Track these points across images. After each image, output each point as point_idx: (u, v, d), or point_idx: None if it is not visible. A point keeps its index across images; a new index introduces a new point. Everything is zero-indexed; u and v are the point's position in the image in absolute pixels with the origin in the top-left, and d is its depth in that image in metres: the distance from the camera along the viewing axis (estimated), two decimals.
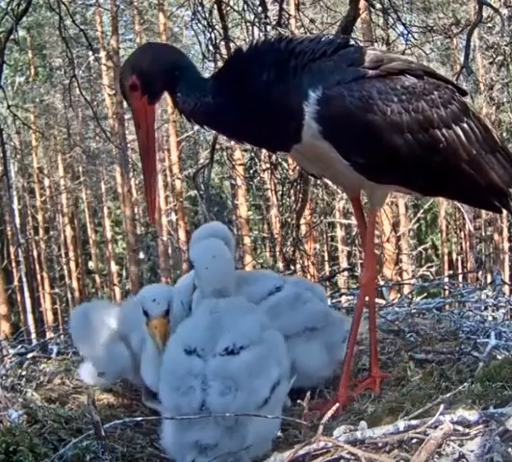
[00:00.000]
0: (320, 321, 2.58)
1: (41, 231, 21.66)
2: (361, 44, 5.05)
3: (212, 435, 1.96)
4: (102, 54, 16.76)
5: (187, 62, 2.35)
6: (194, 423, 1.97)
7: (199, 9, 4.91)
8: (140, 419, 2.32)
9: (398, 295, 4.72)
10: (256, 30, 4.97)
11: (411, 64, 2.42)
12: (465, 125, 2.44)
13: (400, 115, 2.30)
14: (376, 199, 2.56)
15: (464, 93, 2.61)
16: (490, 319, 3.35)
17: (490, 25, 8.91)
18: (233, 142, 4.82)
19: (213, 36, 4.91)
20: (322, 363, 2.57)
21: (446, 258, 20.78)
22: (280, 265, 7.13)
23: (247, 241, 16.48)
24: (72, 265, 21.68)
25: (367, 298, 2.67)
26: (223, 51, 4.95)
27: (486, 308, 3.57)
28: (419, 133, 2.34)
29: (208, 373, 2.02)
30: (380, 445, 1.77)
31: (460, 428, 1.73)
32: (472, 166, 2.45)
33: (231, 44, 4.98)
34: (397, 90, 2.32)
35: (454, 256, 21.79)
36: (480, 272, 13.41)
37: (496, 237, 19.27)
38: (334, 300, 3.99)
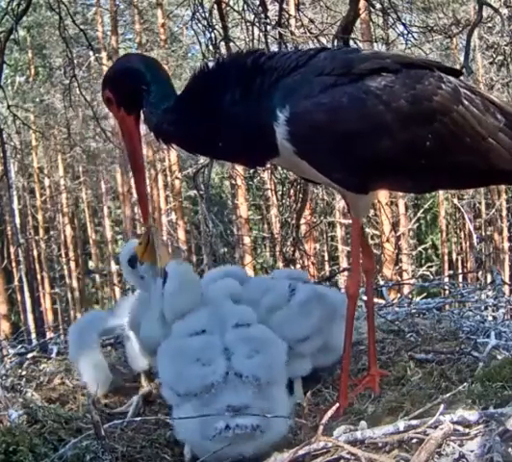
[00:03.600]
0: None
1: (41, 231, 21.66)
2: (360, 44, 5.07)
3: (243, 397, 1.97)
4: (103, 54, 16.77)
5: (158, 75, 2.30)
6: (222, 390, 1.98)
7: (199, 8, 4.91)
8: (139, 419, 2.32)
9: (398, 295, 4.72)
10: (256, 30, 4.97)
11: (386, 60, 2.22)
12: (454, 115, 2.22)
13: (379, 119, 2.14)
14: (360, 208, 2.43)
15: (457, 74, 2.40)
16: (490, 319, 3.35)
17: (490, 25, 8.91)
18: None
19: (213, 36, 4.91)
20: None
21: (446, 258, 20.78)
22: (280, 265, 7.14)
23: (247, 241, 16.49)
24: (72, 265, 21.69)
25: (365, 297, 2.66)
26: (223, 51, 4.95)
27: (486, 308, 3.58)
28: (402, 135, 2.17)
29: (227, 343, 2.07)
30: (380, 445, 1.77)
31: (460, 428, 1.73)
32: (467, 156, 2.26)
33: (231, 44, 4.98)
34: (372, 93, 2.14)
35: (454, 256, 21.80)
36: (480, 272, 13.42)
37: (496, 237, 19.28)
38: None
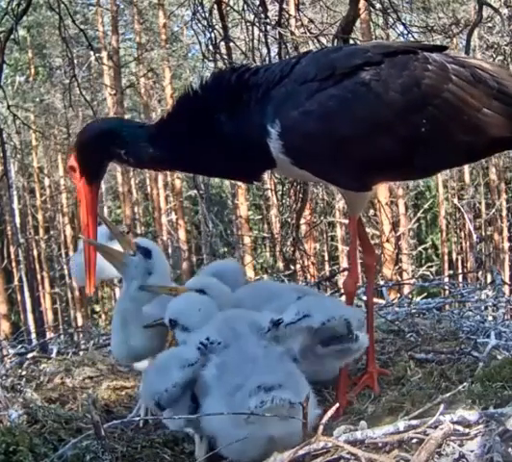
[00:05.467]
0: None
1: (41, 231, 21.66)
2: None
3: (275, 378, 1.95)
4: (103, 54, 16.77)
5: (126, 126, 2.38)
6: (255, 370, 1.99)
7: (199, 8, 4.91)
8: (138, 418, 2.32)
9: (398, 295, 4.72)
10: (256, 30, 4.97)
11: (367, 54, 2.17)
12: (446, 94, 2.17)
13: (370, 116, 2.12)
14: (357, 204, 2.43)
15: (442, 49, 2.33)
16: (490, 319, 3.35)
17: (490, 25, 8.90)
18: None
19: (213, 36, 4.91)
20: None
21: (446, 258, 20.78)
22: (280, 265, 7.14)
23: (247, 241, 16.49)
24: None
25: (365, 298, 2.65)
26: (223, 51, 4.95)
27: (486, 308, 3.57)
28: (397, 127, 2.14)
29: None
30: (380, 445, 1.76)
31: (460, 428, 1.73)
32: (465, 132, 2.21)
33: (231, 44, 4.98)
34: (358, 91, 2.11)
35: (454, 256, 21.80)
36: (480, 272, 13.41)
37: (496, 237, 19.28)
38: None
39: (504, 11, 5.83)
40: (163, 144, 2.27)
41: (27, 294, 20.35)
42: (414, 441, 1.74)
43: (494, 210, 18.85)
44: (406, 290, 6.84)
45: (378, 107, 2.13)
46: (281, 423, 1.87)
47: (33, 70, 20.14)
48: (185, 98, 2.30)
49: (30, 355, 3.29)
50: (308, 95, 2.12)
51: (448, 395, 1.97)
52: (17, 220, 19.90)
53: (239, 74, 2.25)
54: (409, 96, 2.14)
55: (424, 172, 2.53)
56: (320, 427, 1.78)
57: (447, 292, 4.24)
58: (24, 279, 20.18)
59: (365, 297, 3.23)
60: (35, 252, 21.81)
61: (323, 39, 5.08)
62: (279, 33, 4.89)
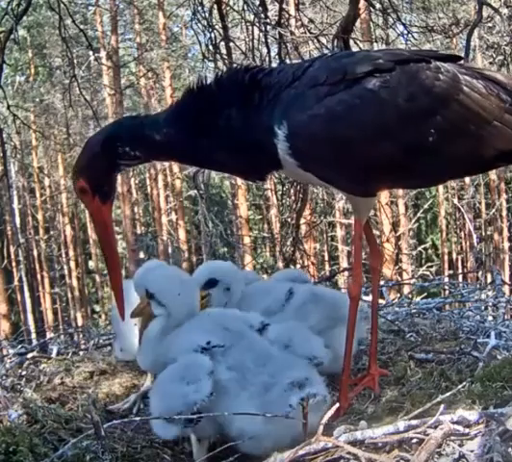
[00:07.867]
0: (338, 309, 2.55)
1: (41, 231, 21.68)
2: (360, 44, 5.07)
3: (300, 373, 2.03)
4: (103, 53, 16.78)
5: (123, 125, 2.34)
6: (277, 367, 2.06)
7: (199, 9, 4.92)
8: (138, 419, 2.31)
9: (398, 295, 4.72)
10: (256, 30, 4.97)
11: (378, 60, 2.17)
12: (454, 105, 2.17)
13: (378, 123, 2.12)
14: (363, 209, 2.41)
15: (456, 59, 2.33)
16: (490, 319, 3.35)
17: (490, 25, 8.89)
18: None
19: (213, 36, 4.92)
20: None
21: (446, 258, 20.79)
22: (280, 265, 7.14)
23: (247, 241, 16.49)
24: (72, 264, 21.69)
25: (367, 298, 2.65)
26: (223, 51, 4.95)
27: (486, 308, 3.58)
28: (404, 135, 2.15)
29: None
30: (380, 445, 1.76)
31: (460, 428, 1.73)
32: (473, 144, 2.22)
33: (231, 44, 4.99)
34: (367, 97, 2.11)
35: (454, 256, 21.80)
36: (480, 272, 13.42)
37: (496, 237, 19.29)
38: None
39: (504, 11, 5.82)
40: (169, 132, 2.23)
41: (27, 294, 20.36)
42: (414, 441, 1.73)
43: (494, 210, 18.86)
44: (406, 290, 6.85)
45: (386, 114, 2.13)
46: (315, 414, 1.97)
47: (33, 70, 20.15)
48: (197, 91, 2.27)
49: (30, 355, 3.28)
50: (317, 99, 2.13)
51: (447, 395, 1.97)
52: (17, 220, 19.91)
53: (253, 74, 2.25)
54: (418, 105, 2.14)
55: (429, 181, 2.55)
56: (320, 427, 1.78)
57: (447, 292, 4.24)
58: (24, 279, 20.19)
59: (365, 297, 3.23)
60: (35, 252, 21.82)
61: (323, 39, 5.08)
62: (279, 33, 4.89)
